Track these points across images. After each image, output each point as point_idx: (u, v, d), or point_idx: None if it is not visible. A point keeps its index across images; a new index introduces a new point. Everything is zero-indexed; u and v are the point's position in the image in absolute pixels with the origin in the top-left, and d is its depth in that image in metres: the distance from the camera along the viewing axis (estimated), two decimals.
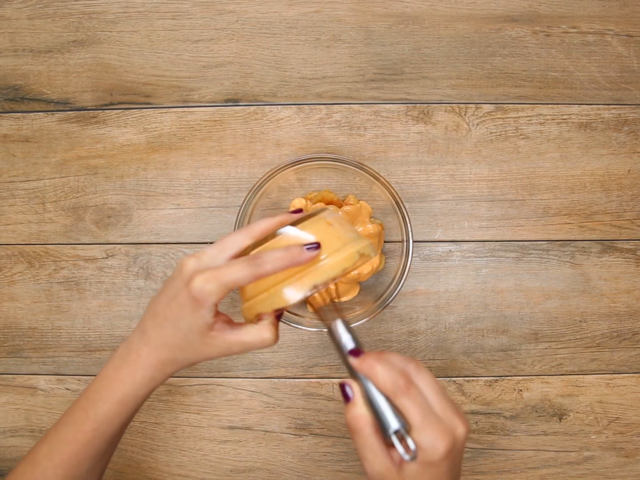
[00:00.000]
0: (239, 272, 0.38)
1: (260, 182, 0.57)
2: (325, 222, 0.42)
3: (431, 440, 0.34)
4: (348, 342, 0.39)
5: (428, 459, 0.34)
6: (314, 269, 0.40)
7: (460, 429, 0.35)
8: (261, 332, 0.41)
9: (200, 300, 0.38)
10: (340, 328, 0.40)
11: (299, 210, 0.44)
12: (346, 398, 0.37)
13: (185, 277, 0.40)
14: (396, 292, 0.57)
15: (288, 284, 0.39)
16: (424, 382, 0.37)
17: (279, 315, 0.43)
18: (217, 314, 0.41)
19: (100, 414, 0.42)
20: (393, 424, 0.35)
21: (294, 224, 0.42)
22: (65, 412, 0.44)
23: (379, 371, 0.36)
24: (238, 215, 0.56)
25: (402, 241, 0.58)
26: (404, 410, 0.35)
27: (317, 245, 0.39)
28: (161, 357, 0.41)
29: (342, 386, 0.37)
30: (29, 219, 0.64)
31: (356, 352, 0.38)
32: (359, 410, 0.36)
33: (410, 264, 0.57)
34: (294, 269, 0.40)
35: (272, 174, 0.57)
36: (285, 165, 0.57)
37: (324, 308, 0.42)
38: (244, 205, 0.57)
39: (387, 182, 0.57)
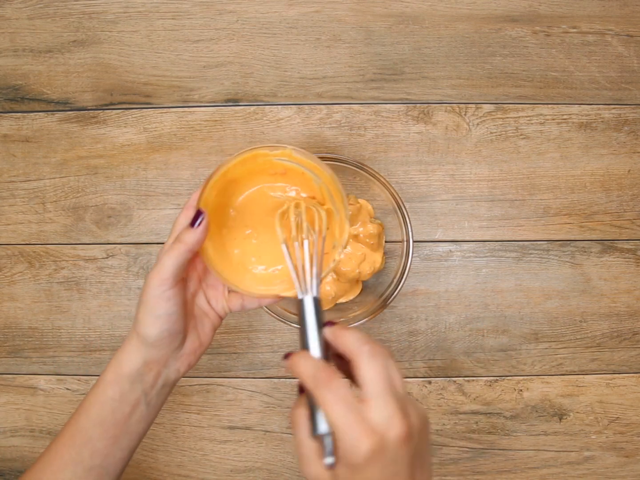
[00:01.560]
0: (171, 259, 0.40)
1: None
2: None
3: (351, 441, 0.30)
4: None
5: (349, 461, 0.30)
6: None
7: (394, 430, 0.30)
8: None
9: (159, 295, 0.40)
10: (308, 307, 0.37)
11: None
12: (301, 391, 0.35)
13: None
14: (396, 292, 0.57)
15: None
16: (364, 372, 0.32)
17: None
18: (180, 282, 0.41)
19: (93, 392, 0.43)
20: (322, 426, 0.32)
21: None
22: None
23: (301, 364, 0.34)
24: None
25: (402, 241, 0.58)
26: (322, 406, 0.31)
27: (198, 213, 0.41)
28: (132, 337, 0.42)
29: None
30: (29, 219, 0.64)
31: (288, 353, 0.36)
32: (301, 408, 0.34)
33: (411, 264, 0.57)
34: None
35: None
36: None
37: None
38: None
39: (387, 182, 0.57)
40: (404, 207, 0.57)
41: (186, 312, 0.42)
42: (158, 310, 0.40)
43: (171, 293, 0.39)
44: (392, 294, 0.58)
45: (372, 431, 0.30)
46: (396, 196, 0.57)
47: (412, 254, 0.58)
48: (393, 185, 0.57)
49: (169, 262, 0.39)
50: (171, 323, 0.40)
